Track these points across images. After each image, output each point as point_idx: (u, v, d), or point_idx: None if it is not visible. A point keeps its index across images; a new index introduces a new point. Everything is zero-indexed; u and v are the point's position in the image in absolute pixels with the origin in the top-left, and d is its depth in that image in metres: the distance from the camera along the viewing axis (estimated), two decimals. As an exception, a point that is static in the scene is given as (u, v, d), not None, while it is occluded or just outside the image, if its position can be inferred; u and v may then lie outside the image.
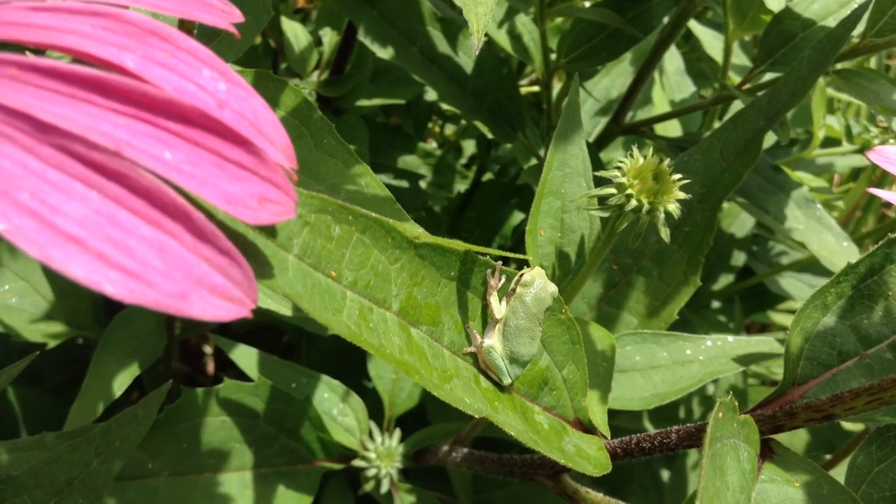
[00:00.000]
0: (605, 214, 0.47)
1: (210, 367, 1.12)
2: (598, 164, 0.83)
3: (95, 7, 0.23)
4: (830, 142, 0.94)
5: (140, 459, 0.55)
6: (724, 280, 0.93)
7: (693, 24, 0.92)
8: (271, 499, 0.61)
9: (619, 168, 0.46)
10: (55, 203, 0.19)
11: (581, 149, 0.54)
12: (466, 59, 0.83)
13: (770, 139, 0.89)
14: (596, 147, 0.88)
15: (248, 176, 0.23)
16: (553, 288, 0.40)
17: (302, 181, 0.38)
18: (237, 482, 0.60)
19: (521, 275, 0.40)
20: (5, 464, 0.48)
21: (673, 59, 0.96)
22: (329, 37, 0.92)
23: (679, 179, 0.46)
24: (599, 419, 0.44)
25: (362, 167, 0.40)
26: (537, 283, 0.39)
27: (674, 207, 0.45)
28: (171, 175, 0.21)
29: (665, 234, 0.46)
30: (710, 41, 0.91)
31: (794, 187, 0.75)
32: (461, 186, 1.15)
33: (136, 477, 0.55)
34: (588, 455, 0.40)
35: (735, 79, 0.89)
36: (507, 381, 0.39)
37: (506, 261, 0.41)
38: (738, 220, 0.92)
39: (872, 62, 1.02)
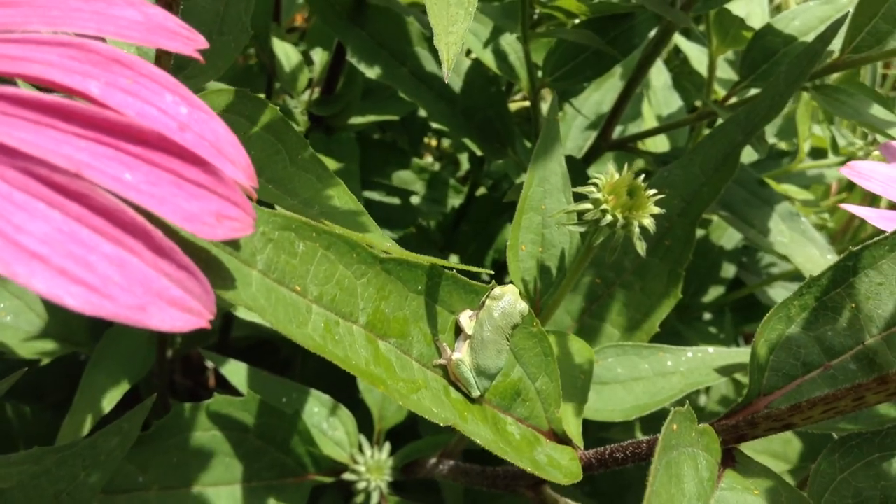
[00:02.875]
0: (582, 229, 0.48)
1: (212, 381, 1.13)
2: (585, 179, 0.84)
3: (62, 38, 0.24)
4: (821, 152, 0.95)
5: (131, 473, 0.56)
6: (715, 292, 0.94)
7: (680, 40, 0.93)
8: (260, 511, 0.62)
9: (594, 184, 0.47)
10: (19, 222, 0.21)
11: (560, 165, 0.56)
12: (455, 78, 0.84)
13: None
14: (584, 162, 0.89)
15: (205, 194, 0.24)
16: (523, 305, 0.41)
17: (276, 196, 0.39)
18: (227, 495, 0.61)
19: (492, 289, 0.41)
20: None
21: (660, 74, 0.97)
22: (320, 56, 0.93)
23: (654, 194, 0.47)
24: (574, 430, 0.45)
25: (335, 181, 0.41)
26: (507, 298, 0.40)
27: (649, 222, 0.46)
28: (131, 195, 0.22)
29: (641, 247, 0.47)
30: (697, 56, 0.92)
31: (778, 200, 0.76)
32: (456, 201, 1.16)
33: (127, 490, 0.56)
34: (560, 465, 0.41)
35: (721, 92, 0.90)
36: (475, 392, 0.40)
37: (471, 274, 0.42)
38: (727, 233, 0.93)
39: (867, 74, 1.02)
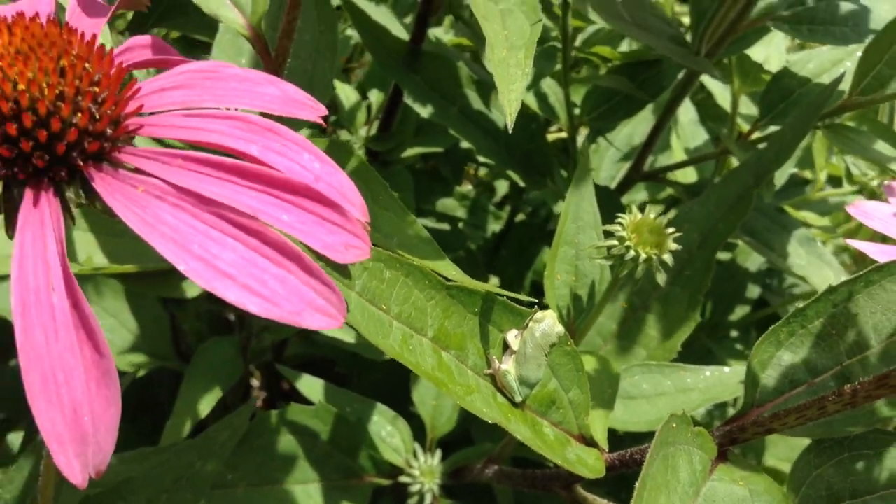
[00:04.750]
0: (610, 263, 0.55)
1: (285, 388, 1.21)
2: (618, 208, 0.91)
3: (228, 112, 0.32)
4: (839, 180, 1.02)
5: (222, 472, 0.64)
6: (741, 311, 1.00)
7: (705, 78, 1.01)
8: (333, 508, 0.69)
9: (620, 223, 0.55)
10: (215, 252, 0.29)
11: (591, 204, 0.63)
12: (499, 115, 0.92)
13: (782, 177, 0.97)
14: (618, 192, 0.96)
15: (337, 230, 0.32)
16: (560, 328, 0.48)
17: (365, 230, 0.47)
18: (302, 493, 0.69)
19: (534, 313, 0.48)
20: (115, 469, 0.57)
21: (687, 111, 1.04)
22: (376, 97, 1.02)
23: (673, 232, 0.54)
24: (600, 435, 0.52)
25: (411, 218, 0.49)
26: (546, 321, 0.48)
27: (668, 257, 0.54)
28: (288, 230, 0.30)
29: (661, 279, 0.54)
30: (721, 93, 0.99)
31: (796, 227, 0.82)
32: (495, 226, 1.24)
33: (220, 487, 0.64)
34: (586, 462, 0.48)
35: (745, 126, 0.97)
36: (518, 398, 0.47)
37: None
38: (752, 257, 0.99)
39: (885, 111, 1.08)
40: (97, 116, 0.29)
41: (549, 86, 0.87)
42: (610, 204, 0.92)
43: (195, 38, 0.94)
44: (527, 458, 0.88)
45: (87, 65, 0.29)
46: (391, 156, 0.98)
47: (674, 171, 0.92)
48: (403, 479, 0.75)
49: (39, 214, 0.28)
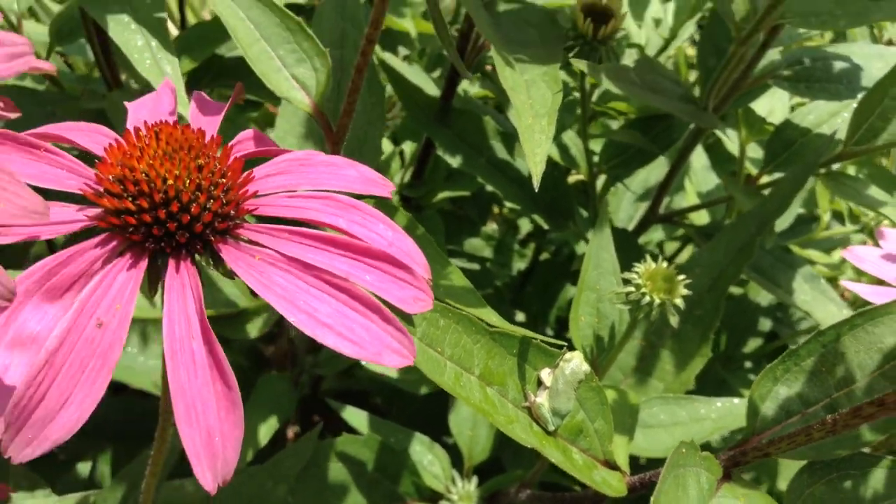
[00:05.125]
0: (628, 307, 0.63)
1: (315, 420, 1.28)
2: (635, 249, 0.99)
3: (321, 194, 0.40)
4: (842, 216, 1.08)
5: (285, 496, 0.71)
6: (754, 344, 1.07)
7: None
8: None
9: (637, 272, 0.62)
10: (315, 306, 0.36)
11: (610, 252, 0.71)
12: (523, 164, 1.00)
13: (788, 220, 1.04)
14: (636, 232, 1.04)
15: (408, 286, 0.39)
16: (586, 367, 0.56)
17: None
18: (353, 517, 0.76)
19: (564, 353, 0.56)
20: (191, 492, 0.65)
21: (700, 157, 1.12)
22: (409, 147, 1.11)
23: (684, 279, 0.62)
24: (622, 460, 0.59)
25: (452, 268, 0.57)
26: (575, 361, 0.55)
27: (679, 301, 0.61)
28: (370, 288, 0.38)
29: (674, 321, 0.61)
30: (731, 140, 1.07)
31: (801, 264, 0.89)
32: (520, 264, 1.32)
33: (280, 508, 0.71)
34: (610, 484, 0.55)
35: (753, 170, 1.04)
36: (551, 427, 0.54)
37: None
38: (763, 292, 1.06)
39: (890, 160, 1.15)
40: (225, 202, 0.37)
41: (569, 138, 0.95)
42: (627, 245, 1.00)
43: (247, 98, 1.03)
44: (554, 483, 0.94)
45: (216, 161, 0.37)
46: (423, 201, 1.06)
47: (687, 213, 0.99)
48: (443, 503, 0.82)
49: (181, 279, 0.36)
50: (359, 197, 0.42)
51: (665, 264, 0.63)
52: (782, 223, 1.02)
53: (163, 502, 0.61)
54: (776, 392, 0.53)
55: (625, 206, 1.17)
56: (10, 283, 0.30)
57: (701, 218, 1.06)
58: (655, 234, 1.18)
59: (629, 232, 1.00)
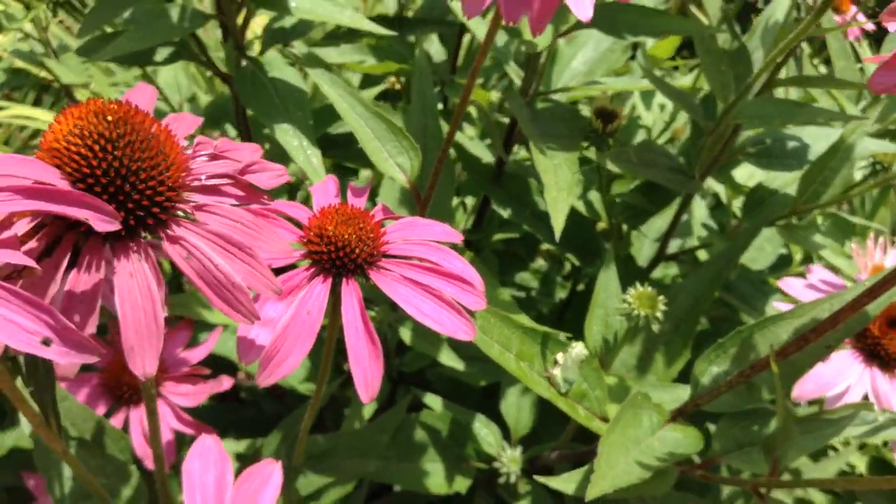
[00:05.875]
0: (623, 318, 0.91)
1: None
2: (646, 279, 1.27)
3: (422, 241, 0.71)
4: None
5: (385, 451, 1.01)
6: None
7: (711, 182, 1.36)
8: (452, 480, 1.05)
9: (630, 294, 0.91)
10: (421, 306, 0.67)
11: (615, 281, 1.00)
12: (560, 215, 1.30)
13: (771, 259, 1.31)
14: (649, 269, 1.32)
15: (471, 295, 0.70)
16: (586, 352, 0.84)
17: (478, 296, 0.85)
18: (432, 469, 1.05)
19: (572, 344, 0.84)
20: (322, 443, 0.95)
21: (700, 208, 1.40)
22: (470, 200, 1.41)
23: (663, 299, 0.90)
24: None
25: (500, 288, 0.87)
26: (578, 348, 0.84)
27: (659, 314, 0.89)
28: (451, 295, 0.68)
29: (656, 328, 0.90)
30: (722, 194, 1.35)
31: (773, 293, 1.17)
32: (562, 294, 1.61)
33: (384, 459, 1.01)
34: (604, 429, 0.84)
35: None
36: (563, 390, 0.83)
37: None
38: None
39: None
40: (372, 248, 0.68)
41: (593, 195, 1.25)
42: (640, 277, 1.28)
43: (346, 165, 1.35)
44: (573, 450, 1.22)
45: (367, 224, 0.68)
46: (481, 243, 1.36)
47: (687, 253, 1.28)
48: (496, 465, 1.11)
49: (349, 288, 0.67)
50: (441, 242, 0.73)
51: (650, 289, 0.92)
52: (765, 262, 1.30)
53: (304, 450, 0.92)
54: (710, 370, 0.81)
55: (645, 246, 1.46)
56: (279, 285, 0.61)
57: (701, 255, 1.34)
58: (671, 269, 1.46)
59: (642, 268, 1.29)
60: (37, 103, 2.15)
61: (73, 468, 0.72)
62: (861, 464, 1.16)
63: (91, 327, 0.51)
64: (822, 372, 0.88)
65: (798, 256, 1.23)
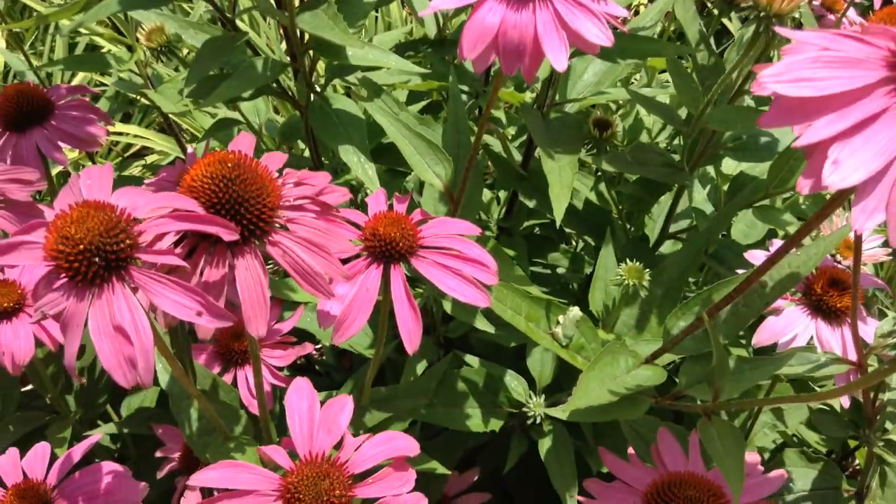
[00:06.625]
0: (618, 287, 1.16)
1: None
2: (651, 255, 1.51)
3: (449, 234, 0.97)
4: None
5: (432, 398, 1.28)
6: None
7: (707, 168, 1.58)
8: (488, 422, 1.31)
9: (622, 268, 1.15)
10: (448, 282, 0.92)
11: (612, 258, 1.24)
12: (577, 202, 1.54)
13: (761, 234, 1.53)
14: (655, 246, 1.55)
15: (486, 273, 0.95)
16: (580, 314, 1.09)
17: (497, 274, 1.11)
18: (472, 413, 1.31)
19: (570, 307, 1.09)
20: (383, 392, 1.22)
21: (699, 192, 1.62)
22: (503, 194, 1.67)
23: (648, 271, 1.14)
24: (614, 362, 1.12)
25: (516, 268, 1.12)
26: (574, 311, 1.08)
27: (645, 283, 1.14)
28: (471, 273, 0.94)
29: (643, 293, 1.14)
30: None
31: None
32: (588, 270, 1.84)
33: (430, 406, 1.27)
34: (605, 370, 1.09)
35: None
36: (563, 343, 1.08)
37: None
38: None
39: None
40: (411, 241, 0.93)
41: (603, 187, 1.48)
42: (648, 255, 1.52)
43: (397, 169, 1.62)
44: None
45: (408, 224, 0.94)
46: (513, 229, 1.62)
47: (685, 231, 1.51)
48: (524, 409, 1.36)
49: (397, 272, 0.93)
50: (463, 235, 0.98)
51: (638, 264, 1.16)
52: (757, 236, 1.52)
53: (369, 396, 1.19)
54: (678, 324, 1.05)
55: (657, 227, 1.69)
56: (346, 271, 0.87)
57: (699, 234, 1.56)
58: (677, 245, 1.69)
59: (648, 247, 1.53)
60: (126, 119, 2.47)
61: (202, 407, 1.00)
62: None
63: (221, 305, 0.78)
64: (775, 323, 1.11)
65: (783, 232, 1.45)
